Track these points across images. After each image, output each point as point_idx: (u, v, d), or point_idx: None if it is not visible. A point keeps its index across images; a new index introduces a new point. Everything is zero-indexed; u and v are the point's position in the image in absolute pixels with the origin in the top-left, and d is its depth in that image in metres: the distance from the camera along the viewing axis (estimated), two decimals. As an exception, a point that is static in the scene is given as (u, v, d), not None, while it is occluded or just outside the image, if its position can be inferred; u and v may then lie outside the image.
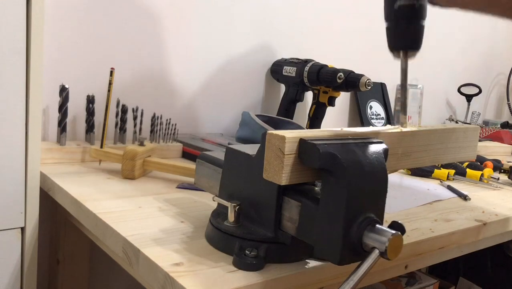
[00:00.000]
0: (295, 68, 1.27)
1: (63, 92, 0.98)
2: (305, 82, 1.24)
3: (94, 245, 0.94)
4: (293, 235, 0.56)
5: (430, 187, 1.08)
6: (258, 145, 0.59)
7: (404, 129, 0.67)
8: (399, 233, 0.50)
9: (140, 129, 1.10)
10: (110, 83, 0.99)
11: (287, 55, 1.39)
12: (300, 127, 1.20)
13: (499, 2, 0.62)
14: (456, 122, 1.93)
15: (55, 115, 1.01)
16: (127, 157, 0.91)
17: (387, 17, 0.66)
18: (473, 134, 0.78)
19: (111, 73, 0.99)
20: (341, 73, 1.16)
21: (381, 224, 0.52)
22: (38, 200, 0.86)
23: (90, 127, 1.04)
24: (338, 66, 1.21)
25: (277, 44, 1.40)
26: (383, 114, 1.64)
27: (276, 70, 1.35)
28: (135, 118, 1.09)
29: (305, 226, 0.54)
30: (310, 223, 0.54)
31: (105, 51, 1.09)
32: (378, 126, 0.62)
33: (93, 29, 1.07)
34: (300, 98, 1.31)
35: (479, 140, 0.92)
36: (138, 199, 0.81)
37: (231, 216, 0.61)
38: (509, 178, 1.20)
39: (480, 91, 1.97)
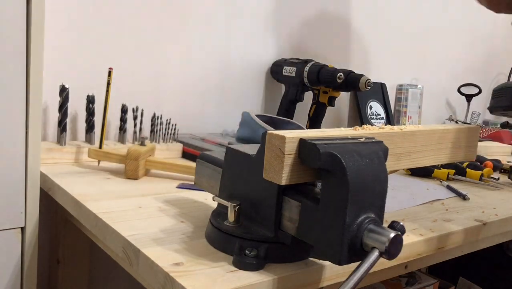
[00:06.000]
0: (295, 68, 1.27)
1: (63, 92, 0.98)
2: (305, 82, 1.24)
3: (94, 245, 0.94)
4: (293, 235, 0.56)
5: (429, 186, 1.08)
6: (258, 145, 0.58)
7: (404, 129, 0.67)
8: (399, 233, 0.50)
9: (140, 129, 1.10)
10: (108, 83, 0.99)
11: (287, 55, 1.39)
12: (300, 127, 1.20)
13: None
14: (456, 122, 1.93)
15: (55, 115, 1.01)
16: (131, 157, 0.91)
17: None
18: (473, 134, 0.78)
19: (109, 73, 0.99)
20: (341, 73, 1.16)
21: (381, 224, 0.52)
22: (38, 200, 0.86)
23: (90, 127, 1.04)
24: (338, 66, 1.21)
25: (277, 44, 1.40)
26: (383, 114, 1.64)
27: (276, 70, 1.35)
28: (135, 118, 1.10)
29: (305, 226, 0.54)
30: (310, 223, 0.54)
31: (105, 51, 1.09)
32: (378, 126, 0.62)
33: (93, 29, 1.07)
34: (300, 98, 1.31)
35: (479, 140, 0.92)
36: (138, 199, 0.81)
37: (231, 216, 0.61)
38: (509, 178, 1.20)
39: (480, 91, 1.97)
